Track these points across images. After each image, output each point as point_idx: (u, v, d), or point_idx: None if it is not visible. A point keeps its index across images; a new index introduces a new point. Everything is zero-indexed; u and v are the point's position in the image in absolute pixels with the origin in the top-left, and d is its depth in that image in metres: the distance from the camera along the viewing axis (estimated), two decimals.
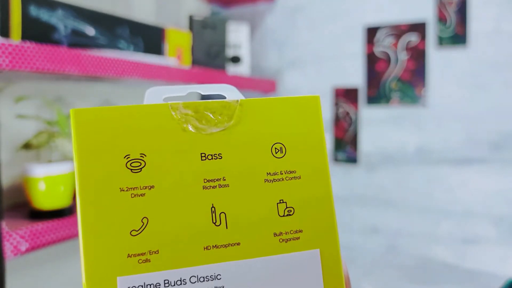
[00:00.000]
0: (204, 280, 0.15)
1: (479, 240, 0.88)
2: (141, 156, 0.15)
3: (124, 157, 0.15)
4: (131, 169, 0.15)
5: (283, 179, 0.16)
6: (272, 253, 0.16)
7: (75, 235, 0.54)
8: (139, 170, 0.15)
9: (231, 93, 0.17)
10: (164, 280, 0.15)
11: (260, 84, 1.02)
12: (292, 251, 0.16)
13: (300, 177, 0.16)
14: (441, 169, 0.91)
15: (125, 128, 0.15)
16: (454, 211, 0.90)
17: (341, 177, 1.02)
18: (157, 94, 0.17)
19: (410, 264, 0.94)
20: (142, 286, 0.14)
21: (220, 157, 0.16)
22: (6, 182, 0.61)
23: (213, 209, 0.15)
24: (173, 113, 0.16)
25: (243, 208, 0.16)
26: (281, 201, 0.16)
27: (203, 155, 0.16)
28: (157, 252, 0.15)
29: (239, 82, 0.93)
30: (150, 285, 0.15)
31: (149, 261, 0.15)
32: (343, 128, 1.02)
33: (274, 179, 0.16)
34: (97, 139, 0.15)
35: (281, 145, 0.16)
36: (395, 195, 0.96)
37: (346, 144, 1.02)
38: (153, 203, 0.15)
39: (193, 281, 0.15)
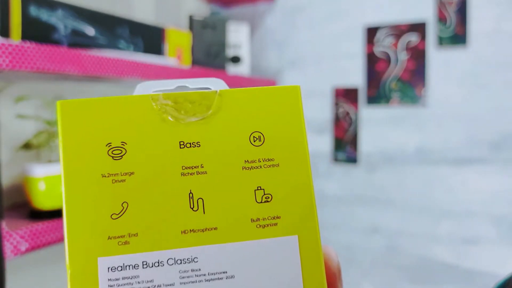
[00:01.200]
0: (181, 263, 0.15)
1: (479, 240, 0.88)
2: (122, 144, 0.16)
3: (106, 145, 0.16)
4: (113, 157, 0.16)
5: (261, 167, 0.16)
6: (249, 238, 0.16)
7: None
8: (120, 157, 0.16)
9: (218, 86, 0.18)
10: (143, 262, 0.15)
11: (260, 84, 1.02)
12: (269, 237, 0.16)
13: (278, 165, 0.17)
14: (441, 169, 0.91)
15: (107, 118, 0.16)
16: (454, 211, 0.90)
17: (341, 177, 1.02)
18: (146, 88, 0.17)
19: (410, 264, 0.94)
20: (121, 266, 0.15)
21: (198, 145, 0.16)
22: (6, 182, 0.61)
23: (191, 195, 0.16)
24: (153, 104, 0.16)
25: (220, 194, 0.16)
26: (259, 188, 0.16)
27: (181, 143, 0.16)
28: (136, 235, 0.15)
29: (239, 82, 0.93)
30: (129, 266, 0.15)
31: (128, 243, 0.15)
32: (343, 128, 1.02)
33: (252, 167, 0.16)
34: (81, 128, 0.16)
35: (260, 134, 0.17)
36: (395, 195, 0.96)
37: (346, 144, 1.02)
38: (133, 189, 0.16)
39: (170, 263, 0.15)
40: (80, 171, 0.16)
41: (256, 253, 0.16)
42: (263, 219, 0.16)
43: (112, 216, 0.15)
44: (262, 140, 0.17)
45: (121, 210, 0.16)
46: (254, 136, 0.17)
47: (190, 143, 0.16)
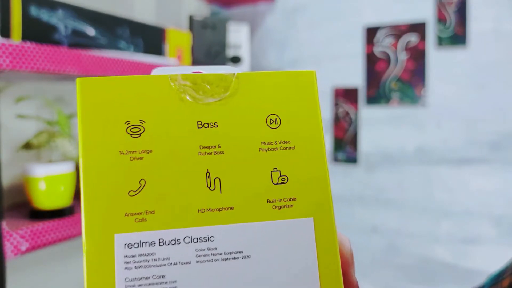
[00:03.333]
0: (197, 241, 0.15)
1: (479, 240, 0.88)
2: (140, 122, 0.16)
3: (125, 123, 0.16)
4: (131, 134, 0.16)
5: (277, 149, 0.17)
6: (264, 218, 0.16)
7: (75, 235, 0.54)
8: (139, 135, 0.16)
9: (235, 71, 0.18)
10: (159, 239, 0.15)
11: None
12: (285, 218, 0.16)
13: (294, 148, 0.17)
14: (440, 169, 0.91)
15: (126, 96, 0.16)
16: (454, 211, 0.90)
17: (341, 177, 1.02)
18: (162, 73, 0.17)
19: (410, 264, 0.95)
20: (138, 243, 0.15)
21: (216, 126, 0.16)
22: (7, 182, 0.61)
23: (208, 174, 0.16)
24: (172, 84, 0.16)
25: (237, 175, 0.16)
26: (275, 170, 0.16)
27: (199, 123, 0.16)
28: (153, 212, 0.15)
29: None
30: (146, 243, 0.15)
31: (145, 220, 0.15)
32: (343, 128, 1.02)
33: (268, 148, 0.17)
34: (100, 106, 0.16)
35: (276, 116, 0.17)
36: (395, 195, 0.96)
37: (346, 144, 1.02)
38: (150, 166, 0.16)
39: (187, 242, 0.15)
40: (99, 148, 0.16)
41: (272, 234, 0.16)
42: (279, 200, 0.16)
43: (130, 193, 0.16)
44: (278, 123, 0.17)
45: (139, 187, 0.16)
46: (270, 119, 0.17)
47: (207, 123, 0.16)
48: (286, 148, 0.17)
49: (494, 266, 0.86)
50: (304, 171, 0.17)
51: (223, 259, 0.15)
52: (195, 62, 0.86)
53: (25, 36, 0.54)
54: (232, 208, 0.16)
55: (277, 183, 0.16)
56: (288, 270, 0.16)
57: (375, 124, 0.98)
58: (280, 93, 0.17)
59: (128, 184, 0.16)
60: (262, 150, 0.16)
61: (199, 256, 0.15)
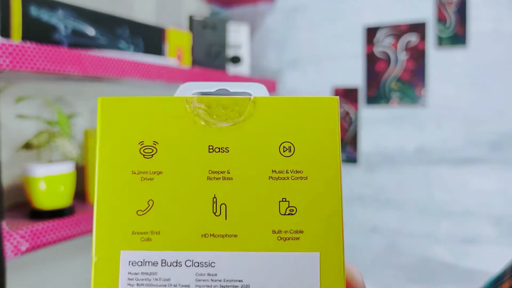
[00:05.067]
0: (198, 266, 0.16)
1: (479, 240, 0.88)
2: (153, 143, 0.16)
3: (139, 143, 0.16)
4: (144, 155, 0.16)
5: (288, 178, 0.16)
6: (268, 249, 0.16)
7: (75, 235, 0.54)
8: (151, 156, 0.16)
9: (259, 91, 0.18)
10: (162, 260, 0.16)
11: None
12: (289, 251, 0.16)
13: (307, 178, 0.16)
14: (440, 169, 0.91)
15: (143, 117, 0.17)
16: (454, 211, 0.90)
17: None
18: (188, 89, 0.18)
19: (410, 264, 0.95)
20: (141, 261, 0.16)
21: (227, 151, 0.16)
22: (7, 182, 0.61)
23: (214, 199, 0.16)
24: (187, 106, 0.17)
25: (244, 202, 0.16)
26: (284, 200, 0.16)
27: (210, 147, 0.16)
28: (158, 233, 0.16)
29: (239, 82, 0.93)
30: (149, 262, 0.16)
31: (150, 240, 0.16)
32: (343, 128, 1.02)
33: (279, 177, 0.16)
34: (118, 125, 0.17)
35: (290, 144, 0.16)
36: (395, 195, 0.96)
37: (346, 144, 1.02)
38: (159, 188, 0.16)
39: (188, 265, 0.16)
40: (113, 166, 0.16)
41: (274, 266, 0.16)
42: (285, 232, 0.16)
43: (138, 212, 0.16)
44: (292, 151, 0.16)
45: (147, 207, 0.16)
46: (284, 146, 0.16)
47: (219, 148, 0.16)
48: (297, 178, 0.16)
49: (494, 266, 0.86)
50: (315, 203, 0.16)
51: (222, 286, 0.15)
52: (195, 62, 0.86)
53: (25, 36, 0.54)
54: (235, 236, 0.16)
55: (284, 214, 0.16)
56: None
57: (375, 124, 0.98)
58: (297, 120, 0.17)
59: (137, 203, 0.16)
60: (272, 179, 0.16)
61: (199, 280, 0.15)
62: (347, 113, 1.02)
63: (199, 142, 0.16)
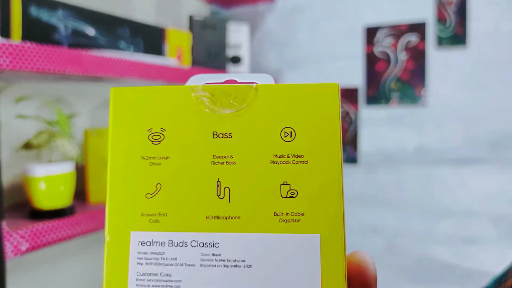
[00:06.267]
0: (203, 246, 0.16)
1: (479, 239, 0.88)
2: (161, 130, 0.17)
3: (148, 130, 0.17)
4: (152, 141, 0.17)
5: (289, 162, 0.17)
6: (269, 230, 0.16)
7: (75, 235, 0.54)
8: (158, 142, 0.17)
9: (265, 81, 0.18)
10: (169, 240, 0.17)
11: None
12: (290, 232, 0.16)
13: (307, 162, 0.17)
14: (440, 169, 0.91)
15: (151, 106, 0.18)
16: (454, 211, 0.90)
17: None
18: (198, 80, 0.19)
19: (410, 264, 0.95)
20: (150, 242, 0.17)
21: (230, 137, 0.17)
22: (7, 182, 0.61)
23: (218, 182, 0.17)
24: (192, 95, 0.17)
25: (246, 185, 0.17)
26: (285, 183, 0.17)
27: (214, 133, 0.17)
28: (165, 215, 0.17)
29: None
30: (157, 242, 0.17)
31: (158, 222, 0.17)
32: (343, 128, 1.03)
33: (280, 161, 0.17)
34: (128, 114, 0.18)
35: (291, 129, 0.17)
36: (395, 195, 0.96)
37: (346, 144, 1.02)
38: (166, 172, 0.17)
39: (194, 245, 0.16)
40: (124, 152, 0.17)
41: (275, 247, 0.16)
42: (286, 214, 0.16)
43: (147, 195, 0.17)
44: (293, 136, 0.17)
45: (155, 191, 0.17)
46: (285, 132, 0.17)
47: (222, 134, 0.17)
48: (298, 162, 0.17)
49: (494, 265, 0.86)
50: (315, 186, 0.17)
51: (225, 266, 0.16)
52: (195, 62, 0.86)
53: (25, 36, 0.54)
54: (238, 218, 0.16)
55: (285, 197, 0.16)
56: (288, 284, 0.16)
57: (375, 124, 0.99)
58: (298, 106, 0.17)
59: (146, 187, 0.17)
60: (274, 163, 0.17)
61: (204, 260, 0.16)
62: (347, 113, 1.02)
63: (204, 128, 0.17)
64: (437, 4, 0.92)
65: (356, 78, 1.00)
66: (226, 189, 0.17)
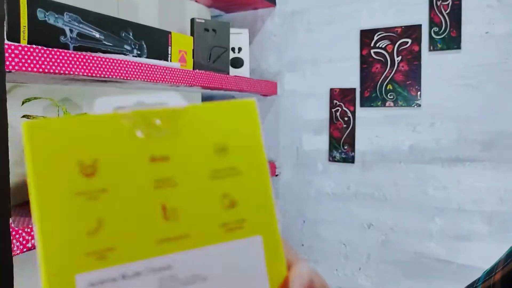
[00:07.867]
0: (159, 270, 0.16)
1: (471, 236, 0.90)
2: (93, 162, 0.16)
3: (78, 164, 0.16)
4: (85, 174, 0.16)
5: (226, 175, 0.18)
6: (218, 241, 0.17)
7: None
8: (93, 175, 0.16)
9: (175, 100, 0.19)
10: (122, 274, 0.16)
11: (261, 86, 1.05)
12: (236, 238, 0.18)
13: (242, 173, 0.18)
14: (434, 168, 0.94)
15: (77, 137, 0.16)
16: (447, 208, 0.92)
17: (337, 176, 1.04)
18: (106, 104, 0.18)
19: (404, 260, 0.97)
20: (100, 281, 0.15)
21: (168, 159, 0.17)
22: (14, 181, 0.63)
23: (164, 206, 0.17)
24: (123, 121, 0.17)
25: (191, 204, 0.17)
26: (225, 195, 0.18)
27: (152, 158, 0.17)
28: (113, 249, 0.16)
29: (241, 84, 0.95)
30: (109, 279, 0.16)
31: (106, 258, 0.16)
32: (340, 128, 1.05)
33: (217, 176, 0.18)
34: (51, 149, 0.16)
35: (223, 145, 0.18)
36: (390, 193, 0.98)
37: (343, 144, 1.04)
38: (107, 205, 0.16)
39: (149, 273, 0.16)
40: (53, 192, 0.16)
41: (225, 254, 0.17)
42: (231, 223, 0.18)
43: (88, 233, 0.16)
44: (226, 151, 0.18)
45: (96, 227, 0.16)
46: (218, 147, 0.18)
47: (160, 157, 0.17)
48: (234, 174, 0.18)
49: (486, 261, 0.88)
50: (251, 194, 0.18)
51: (183, 284, 0.16)
52: (197, 65, 0.88)
53: (32, 39, 0.56)
54: (188, 236, 0.17)
55: (228, 207, 0.18)
56: (240, 284, 0.17)
57: (371, 124, 1.01)
58: (226, 123, 0.18)
59: (86, 224, 0.16)
60: (212, 178, 0.18)
61: (162, 285, 0.16)
62: (345, 114, 1.04)
63: (140, 154, 0.17)
64: (431, 8, 0.94)
65: (353, 79, 1.02)
66: (173, 211, 0.17)
